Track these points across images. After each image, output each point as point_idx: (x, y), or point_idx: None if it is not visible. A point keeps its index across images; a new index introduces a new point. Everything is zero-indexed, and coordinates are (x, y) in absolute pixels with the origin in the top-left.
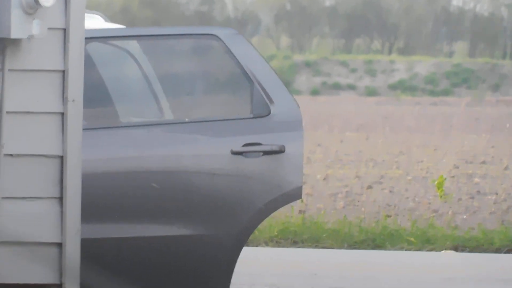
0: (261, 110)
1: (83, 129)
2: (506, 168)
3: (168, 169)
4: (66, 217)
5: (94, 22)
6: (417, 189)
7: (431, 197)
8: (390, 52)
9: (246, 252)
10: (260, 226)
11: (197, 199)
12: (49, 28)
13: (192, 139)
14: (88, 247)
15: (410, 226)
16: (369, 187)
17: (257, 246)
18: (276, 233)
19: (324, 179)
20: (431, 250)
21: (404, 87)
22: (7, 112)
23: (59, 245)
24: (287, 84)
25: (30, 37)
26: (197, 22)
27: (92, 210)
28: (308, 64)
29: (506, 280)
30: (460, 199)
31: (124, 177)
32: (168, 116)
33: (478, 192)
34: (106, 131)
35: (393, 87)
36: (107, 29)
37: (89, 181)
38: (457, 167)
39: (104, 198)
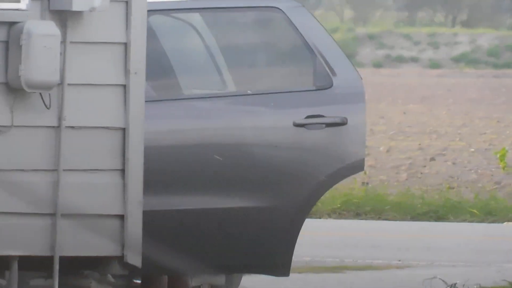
0: (324, 82)
1: (146, 101)
2: None
3: (230, 141)
4: (128, 189)
5: None
6: (480, 161)
7: (494, 169)
8: (453, 25)
9: (309, 224)
10: (322, 198)
11: (260, 171)
12: (111, 1)
13: (254, 111)
14: (150, 219)
15: (472, 198)
16: (432, 159)
17: (320, 217)
18: (339, 205)
19: (387, 151)
20: (493, 221)
21: (467, 60)
22: (69, 84)
23: (121, 217)
24: (350, 56)
25: (92, 10)
26: None
27: (154, 182)
28: (371, 37)
29: None
30: None
31: (187, 149)
32: (231, 88)
33: None
34: (169, 103)
35: (456, 60)
36: (169, 1)
37: (151, 153)
38: None
39: (166, 170)
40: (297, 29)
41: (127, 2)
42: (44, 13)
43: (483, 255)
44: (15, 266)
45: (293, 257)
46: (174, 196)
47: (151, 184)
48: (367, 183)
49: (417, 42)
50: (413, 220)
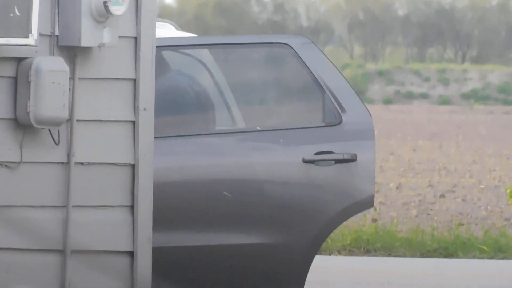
0: (333, 119)
1: (155, 138)
2: None
3: (240, 177)
4: (138, 225)
5: (166, 31)
6: (490, 198)
7: (504, 205)
8: (463, 61)
9: (319, 261)
10: (332, 235)
11: (269, 207)
12: (120, 37)
13: (264, 148)
14: (160, 256)
15: (482, 235)
16: (442, 195)
17: (329, 254)
18: (349, 242)
19: (397, 187)
20: (503, 258)
21: (477, 96)
22: (78, 120)
23: (131, 254)
24: (360, 93)
25: (101, 46)
26: (270, 31)
27: (164, 218)
28: (381, 73)
29: None
30: None
31: (197, 186)
32: (240, 124)
33: None
34: (180, 140)
35: (466, 96)
36: (178, 38)
37: (161, 190)
38: None
39: (176, 206)
40: (307, 65)
41: (136, 38)
42: (52, 49)
43: None
44: None
45: None
46: (184, 232)
47: (161, 221)
48: (377, 220)
49: (427, 78)
50: (423, 257)
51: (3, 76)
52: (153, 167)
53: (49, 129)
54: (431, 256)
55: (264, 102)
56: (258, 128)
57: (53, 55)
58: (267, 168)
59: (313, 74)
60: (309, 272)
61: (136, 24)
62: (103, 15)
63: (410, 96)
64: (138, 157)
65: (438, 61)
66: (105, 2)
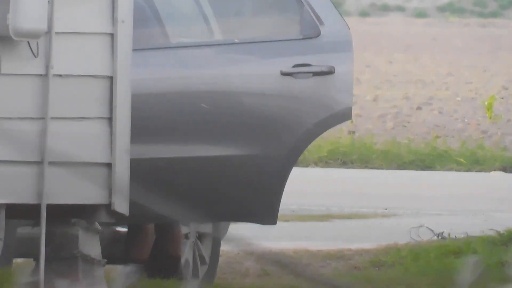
0: (311, 31)
1: (133, 50)
2: None
3: (218, 89)
4: (115, 137)
5: None
6: (466, 110)
7: (480, 118)
8: None
9: (296, 172)
10: (309, 147)
11: (247, 119)
12: None
13: (241, 60)
14: (137, 167)
15: (459, 147)
16: (418, 108)
17: (306, 166)
18: (326, 154)
19: (374, 100)
20: (480, 170)
21: (452, 9)
22: (56, 33)
23: (108, 165)
24: (337, 5)
25: None
26: None
27: (141, 130)
28: None
29: None
30: (509, 120)
31: (174, 98)
32: (218, 37)
33: None
34: (156, 52)
35: (441, 9)
36: None
37: (138, 102)
38: (506, 89)
39: (152, 118)
40: None
41: None
42: None
43: (470, 204)
44: (2, 213)
45: (280, 205)
46: (160, 144)
47: (138, 132)
48: (354, 132)
49: None
50: (399, 169)
51: None
52: (130, 79)
53: (28, 42)
54: (408, 169)
55: (241, 14)
56: (236, 40)
57: None
58: (245, 80)
59: None
60: (286, 183)
61: None
62: None
63: (385, 9)
64: (116, 69)
65: None
66: None
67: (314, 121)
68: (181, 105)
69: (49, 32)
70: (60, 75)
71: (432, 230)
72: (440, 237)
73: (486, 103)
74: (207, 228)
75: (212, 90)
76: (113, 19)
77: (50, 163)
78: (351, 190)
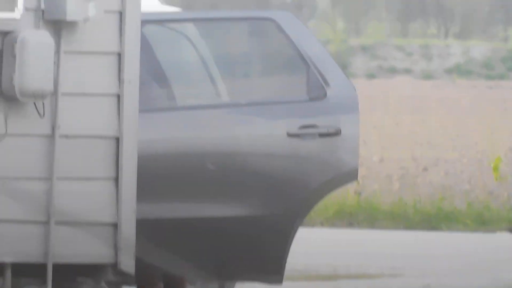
0: (317, 93)
1: (141, 111)
2: None
3: (225, 150)
4: (122, 197)
5: (151, 5)
6: (473, 171)
7: (487, 179)
8: (446, 36)
9: (302, 233)
10: (315, 208)
11: (254, 180)
12: (105, 11)
13: (249, 121)
14: (144, 227)
15: (465, 208)
16: (425, 169)
17: (313, 226)
18: (332, 214)
19: (380, 161)
20: (486, 231)
21: (460, 71)
22: (63, 93)
23: (115, 225)
24: (343, 67)
25: (86, 19)
26: (254, 6)
27: (147, 190)
28: (364, 48)
29: None
30: None
31: (181, 158)
32: (225, 98)
33: None
34: (164, 113)
35: (449, 71)
36: (163, 12)
37: (146, 162)
38: None
39: (160, 179)
40: (291, 39)
41: (121, 13)
42: (38, 23)
43: (476, 264)
44: (8, 273)
45: (286, 265)
46: (168, 204)
47: (145, 192)
48: (360, 193)
49: (409, 53)
50: (406, 230)
51: None
52: (137, 140)
53: (34, 102)
54: (414, 229)
55: (249, 76)
56: (243, 102)
57: (38, 28)
58: (252, 142)
59: (297, 48)
60: (292, 244)
61: None
62: None
63: (392, 71)
64: (123, 129)
65: (421, 36)
66: None
67: (321, 182)
68: (188, 166)
69: (55, 92)
70: (67, 136)
71: None
72: None
73: (492, 164)
74: (214, 286)
75: (219, 151)
76: (120, 80)
77: (57, 222)
78: (357, 251)
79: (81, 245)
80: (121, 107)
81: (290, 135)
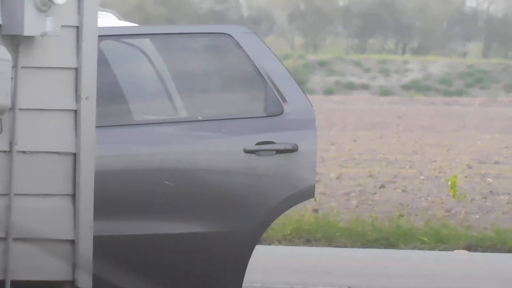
0: (274, 109)
1: (97, 127)
2: None
3: (181, 167)
4: (79, 214)
5: (107, 20)
6: (430, 189)
7: (444, 196)
8: (404, 52)
9: (259, 250)
10: (273, 225)
11: (211, 197)
12: (62, 26)
13: (205, 137)
14: (101, 244)
15: (423, 226)
16: (382, 186)
17: (270, 244)
18: (289, 232)
19: (338, 178)
20: (444, 249)
21: (418, 87)
22: (20, 109)
23: (72, 242)
24: (301, 83)
25: (43, 35)
26: (211, 20)
27: (104, 207)
28: (321, 64)
29: None
30: (473, 199)
31: (137, 175)
32: (182, 114)
33: (491, 192)
34: (120, 129)
35: (406, 87)
36: (120, 27)
37: (102, 178)
38: (470, 167)
39: (116, 195)
40: (248, 55)
41: (78, 28)
42: None
43: (434, 282)
44: None
45: (243, 282)
46: (124, 221)
47: (102, 209)
48: (318, 210)
49: (367, 69)
50: (363, 247)
51: None
52: (94, 156)
53: None
54: (372, 247)
55: (205, 91)
56: (199, 118)
57: None
58: (209, 158)
59: (254, 64)
60: (249, 262)
61: (78, 13)
62: (46, 4)
63: (350, 87)
64: (80, 145)
65: (379, 52)
66: None
67: (278, 199)
68: (145, 182)
69: (13, 108)
70: (24, 152)
71: None
72: None
73: (449, 182)
74: None
75: (176, 167)
76: (77, 96)
77: (15, 239)
78: (315, 268)
79: (39, 262)
80: (78, 123)
81: (247, 151)
